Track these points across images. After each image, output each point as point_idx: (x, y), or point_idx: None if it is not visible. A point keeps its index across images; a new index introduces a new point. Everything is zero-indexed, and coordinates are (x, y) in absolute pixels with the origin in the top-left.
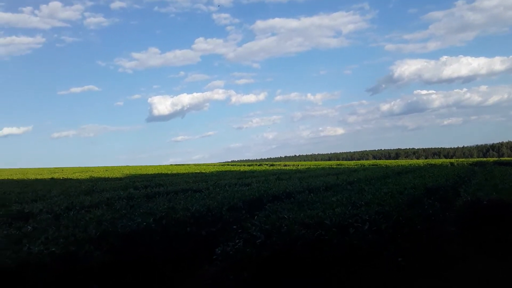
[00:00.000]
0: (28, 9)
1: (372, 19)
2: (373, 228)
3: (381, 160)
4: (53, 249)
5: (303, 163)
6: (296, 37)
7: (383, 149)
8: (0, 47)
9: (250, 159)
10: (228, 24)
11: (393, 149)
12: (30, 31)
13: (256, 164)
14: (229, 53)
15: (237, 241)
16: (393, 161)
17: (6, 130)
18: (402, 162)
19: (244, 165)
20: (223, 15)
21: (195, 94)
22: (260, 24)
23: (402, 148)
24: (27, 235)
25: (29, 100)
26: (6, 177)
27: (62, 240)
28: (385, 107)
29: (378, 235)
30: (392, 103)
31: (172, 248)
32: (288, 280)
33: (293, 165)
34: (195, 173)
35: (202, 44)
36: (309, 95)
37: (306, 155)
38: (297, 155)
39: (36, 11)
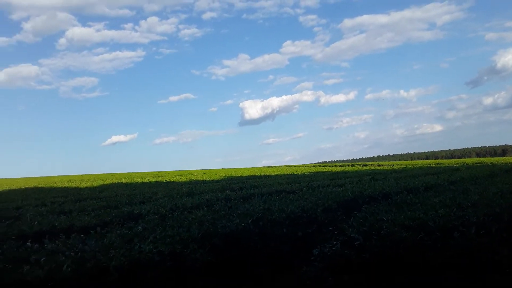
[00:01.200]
0: (129, 25)
1: (470, 8)
2: (481, 231)
3: (486, 158)
4: (161, 248)
5: (398, 162)
6: (386, 33)
7: (487, 145)
8: (106, 62)
9: (342, 159)
10: (315, 25)
11: (499, 146)
12: (131, 46)
13: (348, 165)
14: (317, 54)
15: (334, 242)
16: (499, 158)
17: (115, 138)
18: (511, 159)
19: (335, 165)
20: (310, 16)
21: (284, 97)
22: (347, 22)
23: (510, 144)
24: (137, 235)
25: (134, 110)
26: (116, 181)
27: (169, 239)
28: (488, 100)
29: (488, 238)
30: (496, 95)
31: (269, 248)
32: (391, 286)
33: (388, 164)
34: (287, 174)
35: (290, 47)
36: (401, 91)
37: (401, 154)
38: (391, 154)
39: (136, 27)
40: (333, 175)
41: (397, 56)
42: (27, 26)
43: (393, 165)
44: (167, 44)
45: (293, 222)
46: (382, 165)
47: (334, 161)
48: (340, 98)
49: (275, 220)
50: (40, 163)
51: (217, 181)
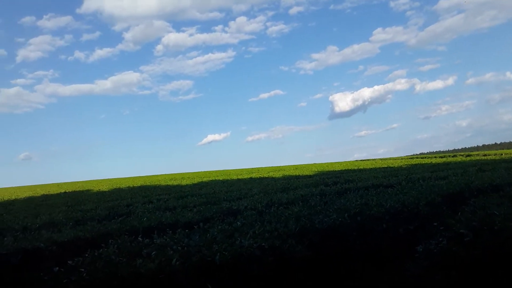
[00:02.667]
0: (219, 27)
1: None
2: None
3: None
4: (262, 243)
5: (508, 151)
6: (487, 11)
7: None
8: (200, 65)
9: (441, 150)
10: (408, 9)
11: None
12: (222, 47)
13: (449, 155)
14: (410, 39)
15: (440, 239)
16: None
17: (210, 137)
18: None
19: (435, 157)
20: (402, 0)
21: (376, 87)
22: (443, 3)
23: None
24: (237, 230)
25: (226, 109)
26: (213, 178)
27: (267, 234)
28: None
29: None
30: None
31: (368, 245)
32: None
33: (495, 154)
34: (383, 167)
35: (381, 35)
36: (508, 73)
37: (510, 142)
38: (498, 142)
39: (226, 28)
40: (434, 167)
41: (502, 35)
42: (127, 36)
43: (502, 154)
44: (255, 42)
45: (393, 217)
46: (489, 155)
47: (432, 152)
48: (437, 84)
49: (374, 216)
50: (144, 163)
51: (309, 176)
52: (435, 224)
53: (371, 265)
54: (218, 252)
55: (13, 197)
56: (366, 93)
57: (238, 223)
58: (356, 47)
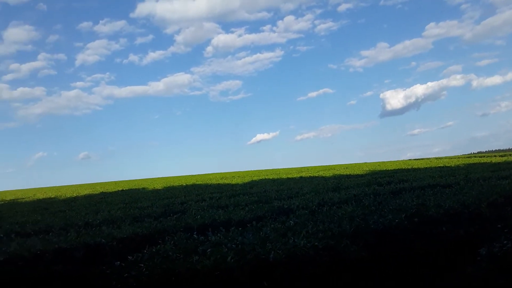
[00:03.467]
0: (267, 27)
1: None
2: None
3: None
4: (315, 243)
5: None
6: None
7: None
8: (248, 65)
9: (501, 148)
10: (463, 2)
11: None
12: (270, 47)
13: (510, 154)
14: (465, 33)
15: (505, 241)
16: None
17: (259, 136)
18: None
19: (494, 155)
20: None
21: (429, 84)
22: None
23: None
24: (290, 229)
25: (275, 109)
26: (263, 177)
27: (321, 234)
28: None
29: None
30: None
31: (427, 247)
32: None
33: None
34: (438, 167)
35: (434, 30)
36: None
37: None
38: None
39: (274, 28)
40: (494, 166)
41: None
42: (179, 38)
43: None
44: (303, 41)
45: (452, 218)
46: None
47: (492, 151)
48: (496, 80)
49: (432, 216)
50: (196, 162)
51: (361, 176)
52: (499, 226)
53: (429, 269)
54: (272, 251)
55: (75, 195)
56: (419, 90)
57: (291, 222)
58: (407, 43)
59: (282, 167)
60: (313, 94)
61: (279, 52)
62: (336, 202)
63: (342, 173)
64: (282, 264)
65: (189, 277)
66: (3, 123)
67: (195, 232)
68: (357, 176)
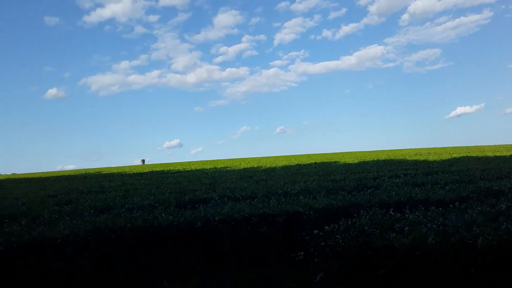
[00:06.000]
0: None
1: None
2: None
3: None
4: None
5: None
6: None
7: None
8: (450, 31)
9: None
10: None
11: None
12: (476, 8)
13: None
14: None
15: None
16: None
17: (459, 110)
18: None
19: None
20: None
21: None
22: None
23: None
24: (502, 213)
25: (480, 78)
26: (464, 154)
27: None
28: None
29: None
30: None
31: None
32: None
33: None
34: None
35: None
36: None
37: None
38: None
39: None
40: None
41: None
42: (372, 9)
43: None
44: None
45: None
46: None
47: None
48: None
49: None
50: (387, 137)
51: None
52: None
53: None
54: (480, 236)
55: (273, 165)
56: None
57: (502, 206)
58: None
59: (486, 144)
60: None
61: (487, 14)
62: None
63: None
64: (491, 251)
65: (385, 253)
66: (215, 100)
67: (392, 209)
68: None
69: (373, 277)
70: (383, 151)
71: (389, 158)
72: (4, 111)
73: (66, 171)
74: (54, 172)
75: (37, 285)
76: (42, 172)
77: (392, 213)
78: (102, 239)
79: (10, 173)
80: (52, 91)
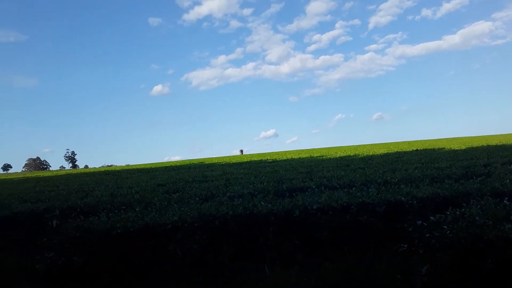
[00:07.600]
0: None
1: None
2: None
3: None
4: None
5: None
6: None
7: None
8: None
9: None
10: None
11: None
12: None
13: None
14: None
15: None
16: None
17: None
18: None
19: None
20: None
21: None
22: None
23: None
24: None
25: None
26: None
27: None
28: None
29: None
30: None
31: None
32: None
33: None
34: None
35: None
36: None
37: None
38: None
39: None
40: None
41: None
42: None
43: None
44: None
45: None
46: None
47: None
48: None
49: None
50: (497, 121)
51: None
52: None
53: None
54: None
55: (371, 153)
56: None
57: None
58: None
59: None
60: None
61: None
62: None
63: None
64: None
65: (500, 246)
66: (309, 89)
67: (507, 198)
68: None
69: (484, 270)
70: (494, 136)
71: (502, 143)
72: (119, 109)
73: (172, 161)
74: (162, 163)
75: (153, 265)
76: (152, 163)
77: (507, 202)
78: (207, 226)
79: (124, 164)
80: (158, 88)
